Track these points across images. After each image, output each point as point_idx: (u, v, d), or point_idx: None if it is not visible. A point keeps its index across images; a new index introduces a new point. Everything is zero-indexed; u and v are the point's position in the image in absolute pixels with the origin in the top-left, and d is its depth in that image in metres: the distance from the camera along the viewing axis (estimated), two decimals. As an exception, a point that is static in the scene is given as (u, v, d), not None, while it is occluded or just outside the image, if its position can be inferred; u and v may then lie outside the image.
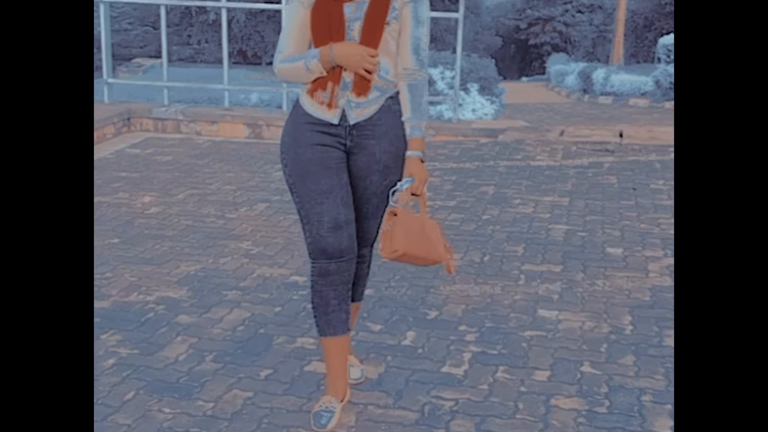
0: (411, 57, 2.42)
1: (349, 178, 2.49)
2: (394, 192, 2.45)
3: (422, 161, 2.44)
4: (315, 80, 2.42)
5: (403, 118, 2.45)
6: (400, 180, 2.46)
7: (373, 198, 2.52)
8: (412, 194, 2.44)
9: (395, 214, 2.40)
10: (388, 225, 2.40)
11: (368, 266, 2.70)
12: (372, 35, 2.37)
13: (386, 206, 2.50)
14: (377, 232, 2.60)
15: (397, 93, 2.47)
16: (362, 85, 2.40)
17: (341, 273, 2.46)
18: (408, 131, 2.45)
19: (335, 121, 2.43)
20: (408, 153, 2.45)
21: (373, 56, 2.37)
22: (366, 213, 2.55)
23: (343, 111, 2.42)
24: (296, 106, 2.50)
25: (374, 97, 2.42)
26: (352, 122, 2.43)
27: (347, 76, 2.40)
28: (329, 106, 2.41)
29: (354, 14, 2.37)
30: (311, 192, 2.42)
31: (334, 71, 2.40)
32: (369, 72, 2.38)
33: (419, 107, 2.43)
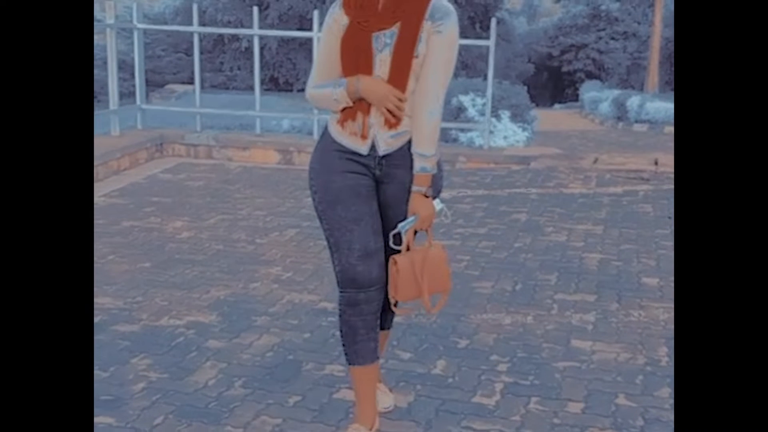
0: (431, 91, 2.33)
1: (378, 207, 2.46)
2: (395, 235, 2.41)
3: (426, 196, 2.38)
4: (344, 110, 2.39)
5: (412, 149, 2.37)
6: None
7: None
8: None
9: (396, 262, 2.37)
10: (393, 271, 2.39)
11: None
12: (400, 68, 2.32)
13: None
14: None
15: None
16: (392, 120, 2.36)
17: (370, 302, 2.43)
18: (417, 166, 2.37)
19: (365, 152, 2.40)
20: (413, 188, 2.39)
21: (400, 99, 2.32)
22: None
23: (373, 141, 2.39)
24: (325, 133, 2.49)
25: (405, 128, 2.37)
26: (382, 153, 2.39)
27: (376, 109, 2.37)
28: (362, 137, 2.38)
29: (382, 45, 2.33)
30: (341, 219, 2.39)
31: (363, 102, 2.37)
32: (392, 113, 2.33)
33: (432, 142, 2.35)
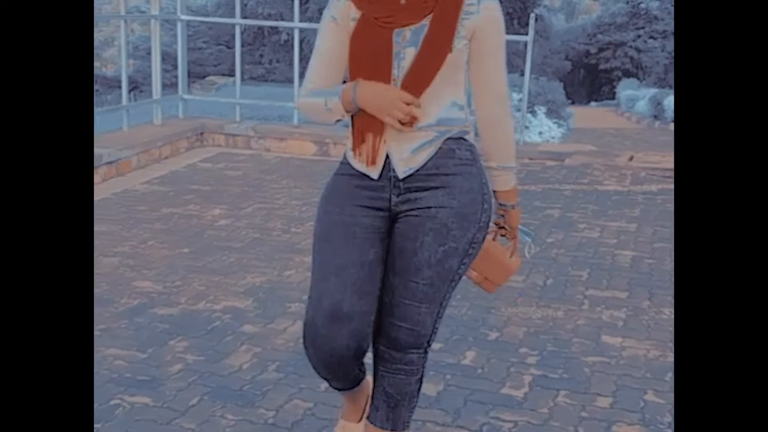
0: (500, 93, 2.03)
1: (392, 246, 2.01)
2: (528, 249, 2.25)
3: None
4: (355, 132, 1.98)
5: (493, 164, 2.06)
6: (462, 249, 1.99)
7: (424, 269, 1.95)
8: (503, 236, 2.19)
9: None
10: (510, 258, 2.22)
11: (419, 381, 2.11)
12: (426, 67, 1.90)
13: (447, 292, 2.01)
14: (434, 328, 2.03)
15: (462, 132, 2.00)
16: (403, 129, 1.92)
17: (334, 373, 2.07)
18: (511, 182, 2.08)
19: (375, 176, 1.97)
20: (508, 205, 2.11)
21: (409, 104, 1.87)
22: (415, 292, 1.96)
23: (388, 161, 1.96)
24: (345, 153, 2.06)
25: (429, 138, 1.94)
26: (402, 175, 1.95)
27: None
28: (370, 163, 1.96)
29: (406, 41, 1.90)
30: (323, 262, 1.99)
31: (376, 121, 1.91)
32: (403, 123, 1.88)
33: (514, 150, 2.06)
